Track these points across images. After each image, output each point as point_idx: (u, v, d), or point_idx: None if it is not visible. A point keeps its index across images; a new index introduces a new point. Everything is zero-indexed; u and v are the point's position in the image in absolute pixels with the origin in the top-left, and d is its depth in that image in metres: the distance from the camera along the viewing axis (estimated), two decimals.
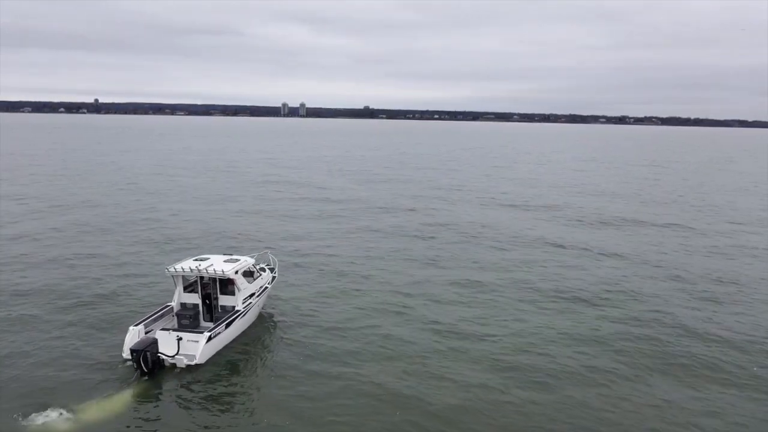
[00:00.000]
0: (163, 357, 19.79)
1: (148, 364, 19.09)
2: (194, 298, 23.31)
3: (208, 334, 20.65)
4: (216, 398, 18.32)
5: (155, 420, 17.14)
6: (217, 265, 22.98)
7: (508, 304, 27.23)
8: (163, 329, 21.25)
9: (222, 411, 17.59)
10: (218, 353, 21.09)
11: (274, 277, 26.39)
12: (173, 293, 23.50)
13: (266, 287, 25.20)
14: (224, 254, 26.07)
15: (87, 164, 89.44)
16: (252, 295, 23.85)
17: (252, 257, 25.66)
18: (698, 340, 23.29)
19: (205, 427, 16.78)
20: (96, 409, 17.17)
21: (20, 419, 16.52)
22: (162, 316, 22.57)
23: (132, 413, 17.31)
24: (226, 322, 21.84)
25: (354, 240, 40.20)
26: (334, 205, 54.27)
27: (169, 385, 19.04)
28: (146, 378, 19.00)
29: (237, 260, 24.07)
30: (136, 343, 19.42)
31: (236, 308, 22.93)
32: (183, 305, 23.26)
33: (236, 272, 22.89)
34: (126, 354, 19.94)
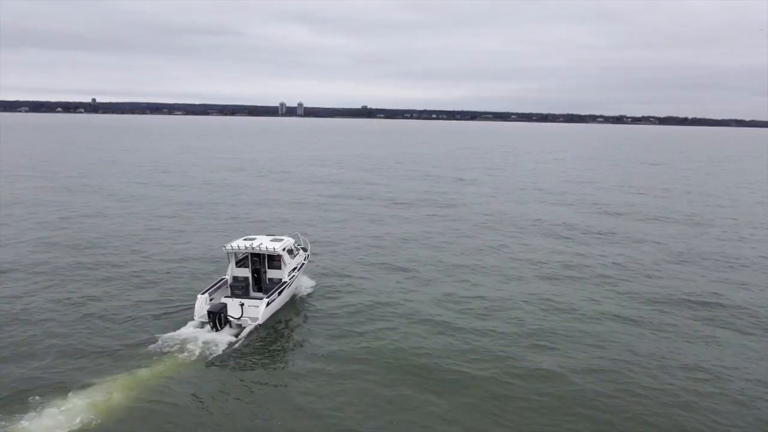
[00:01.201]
0: (231, 318, 23.58)
1: (221, 323, 23.07)
2: (245, 272, 26.98)
3: (267, 299, 24.44)
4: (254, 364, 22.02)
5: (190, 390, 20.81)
6: (267, 243, 26.75)
7: (582, 311, 26.90)
8: (226, 296, 25.03)
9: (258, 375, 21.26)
10: (271, 317, 24.85)
11: (306, 256, 30.21)
12: (227, 268, 27.23)
13: (303, 263, 29.04)
14: (269, 234, 29.86)
15: (141, 164, 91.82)
16: (294, 269, 27.64)
17: (290, 237, 29.38)
18: None
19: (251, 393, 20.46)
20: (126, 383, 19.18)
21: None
22: (219, 287, 26.26)
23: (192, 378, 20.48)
24: (278, 290, 25.59)
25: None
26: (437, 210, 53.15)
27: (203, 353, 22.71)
28: (216, 332, 22.80)
29: (281, 239, 27.84)
30: (211, 306, 23.40)
31: (283, 280, 26.67)
32: (235, 278, 26.91)
33: (283, 249, 26.75)
34: (198, 317, 23.82)
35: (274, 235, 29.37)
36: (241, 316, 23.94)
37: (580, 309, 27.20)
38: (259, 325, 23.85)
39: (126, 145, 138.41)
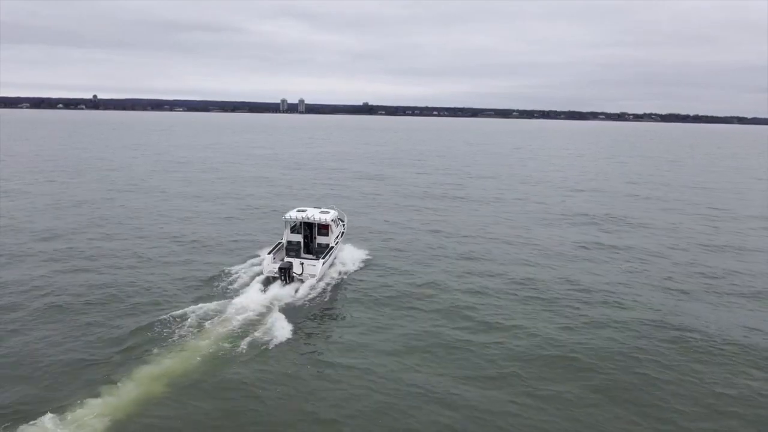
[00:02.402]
0: (295, 274, 28.54)
1: (289, 277, 28.25)
2: (298, 237, 31.80)
3: (323, 260, 29.51)
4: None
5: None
6: (317, 214, 31.73)
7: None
8: (288, 257, 29.88)
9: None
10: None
11: (345, 226, 35.25)
12: (283, 234, 32.10)
13: (343, 231, 34.22)
14: (316, 207, 34.76)
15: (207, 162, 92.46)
16: (337, 236, 32.56)
17: (334, 210, 34.17)
18: None
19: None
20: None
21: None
22: (278, 250, 31.08)
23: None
24: (328, 253, 30.49)
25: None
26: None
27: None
28: (286, 285, 27.80)
29: (328, 212, 32.85)
30: (282, 263, 28.80)
31: (330, 245, 31.57)
32: (289, 242, 31.72)
33: (331, 220, 31.70)
34: (267, 272, 29.09)
35: (320, 207, 34.26)
36: (302, 273, 28.84)
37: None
38: (317, 280, 28.76)
39: (174, 143, 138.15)
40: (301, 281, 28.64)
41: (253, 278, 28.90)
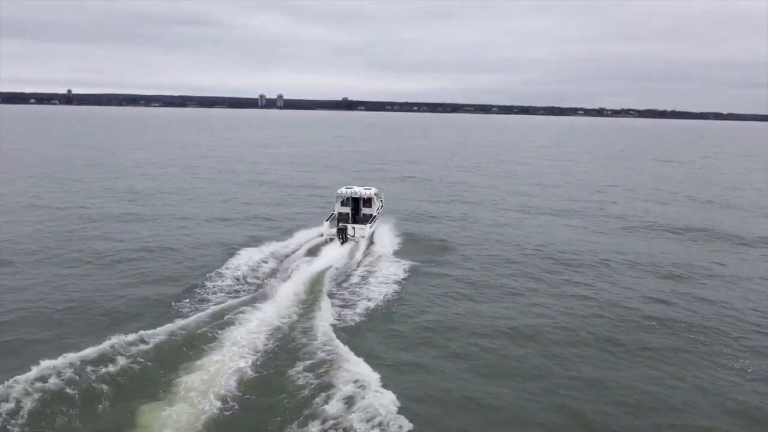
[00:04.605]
0: (350, 235, 35.95)
1: (345, 237, 35.75)
2: (346, 209, 39.28)
3: (370, 224, 37.10)
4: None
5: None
6: (362, 190, 39.36)
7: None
8: (343, 223, 37.25)
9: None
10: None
11: (382, 200, 42.92)
12: (334, 206, 39.60)
13: (382, 205, 41.87)
14: (361, 186, 42.22)
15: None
16: (378, 207, 40.09)
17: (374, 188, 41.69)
18: None
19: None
20: None
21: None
22: (332, 219, 38.40)
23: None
24: (373, 220, 38.09)
25: None
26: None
27: None
28: (343, 243, 35.19)
29: (370, 188, 40.69)
30: (339, 226, 36.39)
31: (373, 214, 39.16)
32: (340, 213, 39.12)
33: (374, 194, 39.34)
34: (326, 235, 36.60)
35: (364, 186, 41.84)
36: (354, 235, 36.28)
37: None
38: (367, 240, 36.31)
39: (110, 142, 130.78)
40: (355, 241, 36.11)
41: (316, 242, 36.49)
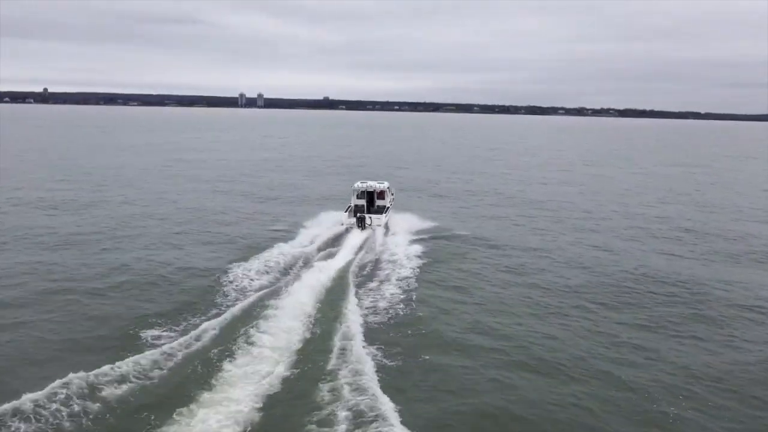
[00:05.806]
0: (367, 224, 40.28)
1: (363, 225, 40.06)
2: (362, 201, 43.53)
3: (384, 214, 41.49)
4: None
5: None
6: (376, 184, 44.01)
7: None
8: (360, 213, 41.33)
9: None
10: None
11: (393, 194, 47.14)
12: (351, 198, 43.82)
13: (393, 197, 46.21)
14: (375, 180, 46.34)
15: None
16: (391, 199, 44.61)
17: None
18: None
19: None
20: None
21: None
22: (349, 210, 42.59)
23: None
24: (387, 210, 42.53)
25: None
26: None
27: None
28: (362, 230, 39.43)
29: (383, 182, 45.14)
30: (358, 216, 40.56)
31: (386, 205, 43.58)
32: (356, 205, 43.33)
33: (387, 187, 43.84)
34: (345, 224, 40.69)
35: (377, 180, 46.31)
36: (371, 224, 40.60)
37: None
38: (383, 227, 40.70)
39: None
40: (372, 229, 40.36)
41: (337, 230, 40.68)
